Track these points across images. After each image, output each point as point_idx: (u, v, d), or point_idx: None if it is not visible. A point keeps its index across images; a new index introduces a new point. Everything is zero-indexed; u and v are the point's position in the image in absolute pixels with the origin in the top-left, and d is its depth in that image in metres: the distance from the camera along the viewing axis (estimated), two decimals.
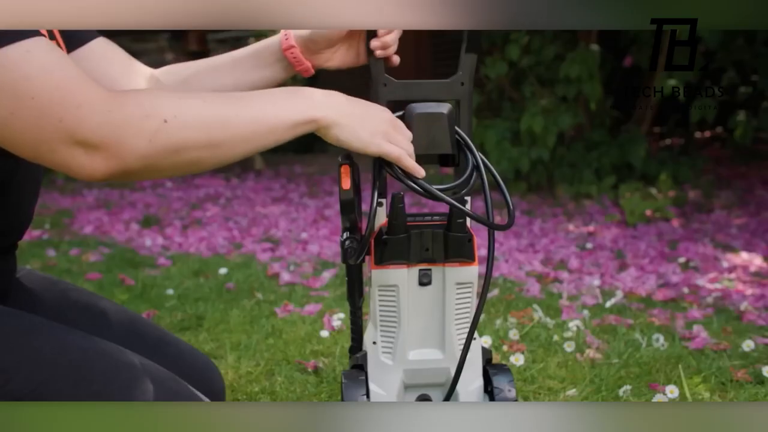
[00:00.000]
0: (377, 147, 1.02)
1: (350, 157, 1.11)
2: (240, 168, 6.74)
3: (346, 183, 1.11)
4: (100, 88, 0.85)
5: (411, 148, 1.06)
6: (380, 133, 1.02)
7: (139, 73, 1.24)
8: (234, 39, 9.69)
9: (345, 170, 1.11)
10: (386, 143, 1.03)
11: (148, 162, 0.85)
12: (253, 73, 1.20)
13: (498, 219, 1.07)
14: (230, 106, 0.92)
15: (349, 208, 1.13)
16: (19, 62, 0.81)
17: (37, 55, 0.83)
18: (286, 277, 2.99)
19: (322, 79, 12.20)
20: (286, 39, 1.16)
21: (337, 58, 1.20)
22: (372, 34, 1.14)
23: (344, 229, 1.16)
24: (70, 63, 0.85)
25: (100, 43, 1.19)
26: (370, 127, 1.01)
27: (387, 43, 1.13)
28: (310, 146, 9.86)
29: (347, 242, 1.15)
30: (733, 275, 2.97)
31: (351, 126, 0.99)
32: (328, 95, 0.99)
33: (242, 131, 0.91)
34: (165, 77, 1.24)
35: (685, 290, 2.75)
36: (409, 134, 1.07)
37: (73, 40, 1.13)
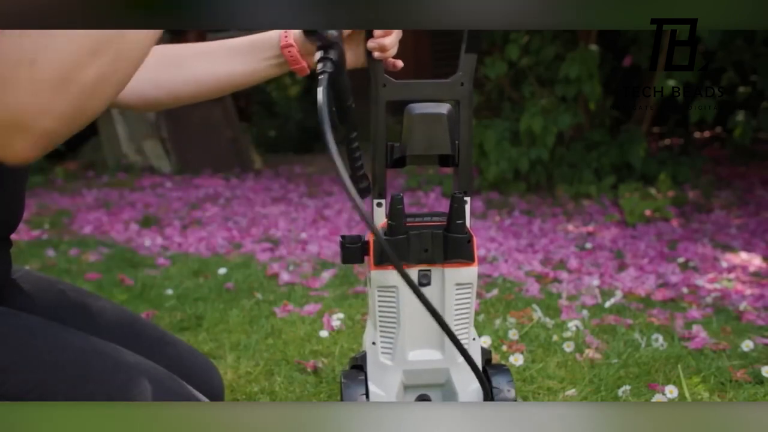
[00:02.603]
0: None
1: None
2: (240, 168, 6.74)
3: None
4: None
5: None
6: None
7: None
8: None
9: None
10: None
11: (70, 110, 0.74)
12: (248, 65, 1.19)
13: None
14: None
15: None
16: None
17: None
18: (285, 277, 2.99)
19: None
20: (286, 37, 1.17)
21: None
22: (370, 34, 1.14)
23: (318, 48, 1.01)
24: None
25: None
26: None
27: (384, 46, 1.12)
28: (310, 146, 9.87)
29: (320, 64, 0.98)
30: (732, 275, 2.97)
31: None
32: None
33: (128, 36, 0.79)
34: (157, 56, 1.18)
35: (685, 290, 2.75)
36: None
37: None
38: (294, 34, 1.17)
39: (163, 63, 1.19)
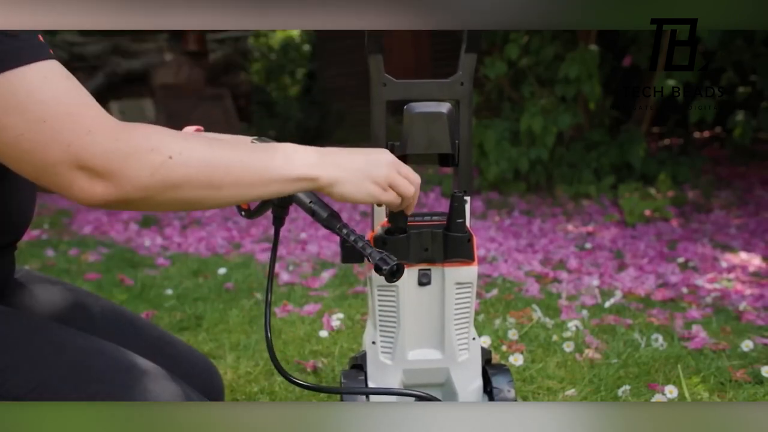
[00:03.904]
0: (386, 196, 1.02)
1: None
2: None
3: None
4: (109, 116, 0.87)
5: (416, 186, 1.05)
6: (384, 180, 1.01)
7: None
8: (233, 39, 9.70)
9: None
10: (392, 190, 1.03)
11: (147, 194, 0.87)
12: None
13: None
14: (235, 153, 0.93)
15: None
16: (36, 86, 0.83)
17: (53, 81, 0.85)
18: (285, 277, 2.99)
19: (323, 78, 12.09)
20: None
21: None
22: (371, 34, 1.14)
23: None
24: (81, 89, 0.88)
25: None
26: (373, 176, 1.01)
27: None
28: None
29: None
30: (732, 275, 2.97)
31: (353, 180, 0.99)
32: (326, 153, 0.99)
33: (244, 178, 0.93)
34: None
35: (684, 290, 2.75)
36: (414, 174, 1.05)
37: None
38: None
39: None
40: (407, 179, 1.03)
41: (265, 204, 1.21)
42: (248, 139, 1.21)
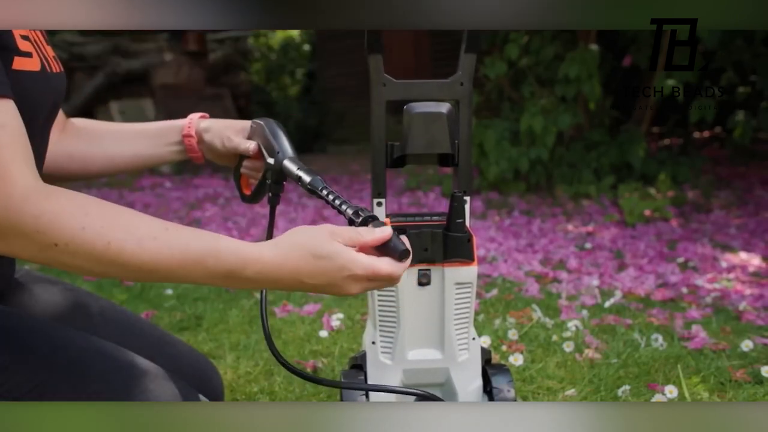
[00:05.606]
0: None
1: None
2: None
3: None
4: (19, 179, 0.83)
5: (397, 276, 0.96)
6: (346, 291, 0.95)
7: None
8: (233, 39, 9.70)
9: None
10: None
11: (44, 263, 0.86)
12: (152, 148, 1.28)
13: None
14: (151, 256, 0.85)
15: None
16: None
17: None
18: None
19: (323, 78, 12.07)
20: (189, 127, 1.26)
21: (224, 161, 1.29)
22: (371, 34, 1.14)
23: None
24: (10, 143, 0.84)
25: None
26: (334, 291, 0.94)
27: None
28: (309, 146, 9.87)
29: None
30: (731, 275, 2.97)
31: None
32: (276, 280, 0.90)
33: (152, 277, 0.88)
34: (74, 130, 1.27)
35: (684, 290, 2.75)
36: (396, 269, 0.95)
37: None
38: (197, 128, 1.26)
39: (78, 137, 1.27)
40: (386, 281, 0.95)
41: (262, 188, 1.22)
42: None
